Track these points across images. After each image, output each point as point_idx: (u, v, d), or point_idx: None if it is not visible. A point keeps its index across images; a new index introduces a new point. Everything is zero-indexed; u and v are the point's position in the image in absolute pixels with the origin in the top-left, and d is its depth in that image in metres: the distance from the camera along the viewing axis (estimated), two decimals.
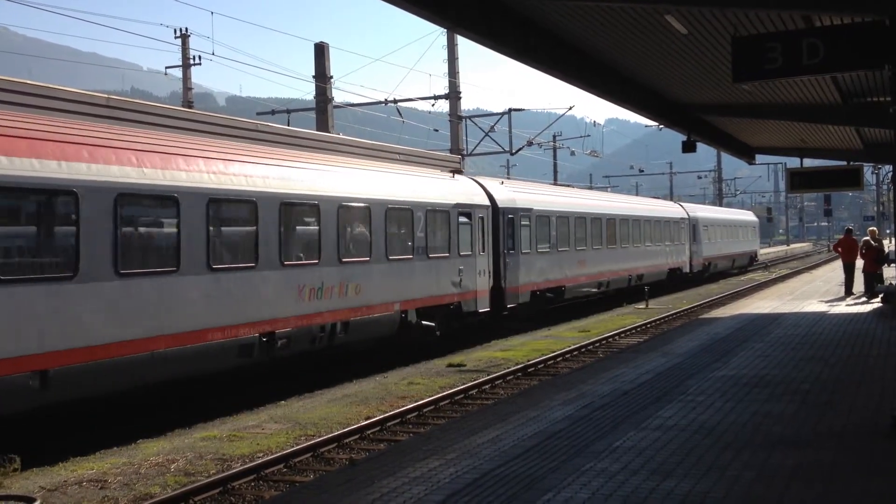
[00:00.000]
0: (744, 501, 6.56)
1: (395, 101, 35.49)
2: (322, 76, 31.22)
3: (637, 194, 48.00)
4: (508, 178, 28.92)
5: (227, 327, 13.64)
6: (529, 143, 43.78)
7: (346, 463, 9.65)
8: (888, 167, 55.93)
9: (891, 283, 23.84)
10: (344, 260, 16.59)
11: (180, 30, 35.87)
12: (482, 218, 22.17)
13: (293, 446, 11.32)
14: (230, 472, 10.00)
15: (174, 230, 12.96)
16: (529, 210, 25.12)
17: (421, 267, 19.24)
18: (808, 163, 29.78)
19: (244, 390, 15.09)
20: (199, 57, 36.83)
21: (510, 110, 40.46)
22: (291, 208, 15.50)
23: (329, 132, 27.87)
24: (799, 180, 26.12)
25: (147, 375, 12.43)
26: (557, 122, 45.09)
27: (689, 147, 23.83)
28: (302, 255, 15.75)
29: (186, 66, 35.80)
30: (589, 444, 8.54)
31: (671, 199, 59.12)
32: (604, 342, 21.33)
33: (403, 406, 13.75)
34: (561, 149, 56.87)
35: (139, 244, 12.70)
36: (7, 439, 10.73)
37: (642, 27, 13.92)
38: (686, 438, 8.67)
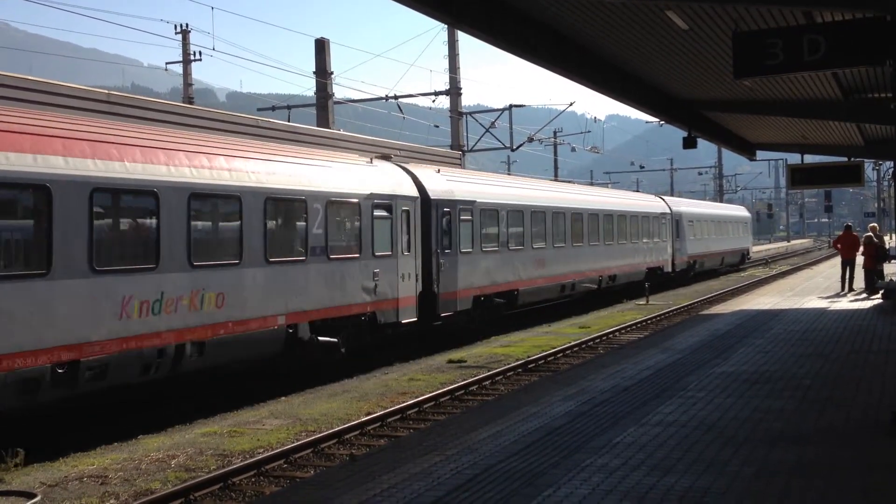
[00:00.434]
0: (744, 497, 6.56)
1: (396, 97, 35.45)
2: (322, 72, 31.18)
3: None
4: (455, 168, 24.74)
5: None
6: (530, 140, 43.72)
7: (346, 459, 9.65)
8: (889, 163, 55.98)
9: (891, 280, 23.83)
10: (197, 264, 13.28)
11: (181, 25, 35.88)
12: (407, 212, 18.97)
13: (294, 442, 11.34)
14: (231, 468, 10.02)
15: None
16: (472, 203, 21.83)
17: (318, 271, 15.86)
18: (809, 159, 29.77)
19: (245, 386, 15.10)
20: (200, 53, 36.76)
21: (511, 106, 40.42)
22: (110, 196, 12.23)
23: (330, 128, 27.84)
24: (800, 176, 26.09)
25: None
26: (558, 119, 45.05)
27: (689, 143, 23.82)
28: (129, 257, 12.55)
29: (187, 61, 35.79)
30: (589, 440, 8.55)
31: (672, 196, 58.99)
32: (604, 338, 21.34)
33: (404, 402, 13.76)
34: (561, 145, 56.84)
35: None
36: (8, 435, 10.75)
37: (643, 23, 13.90)
38: (686, 434, 8.67)
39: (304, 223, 15.71)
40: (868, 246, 24.87)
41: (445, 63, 35.19)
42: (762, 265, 56.66)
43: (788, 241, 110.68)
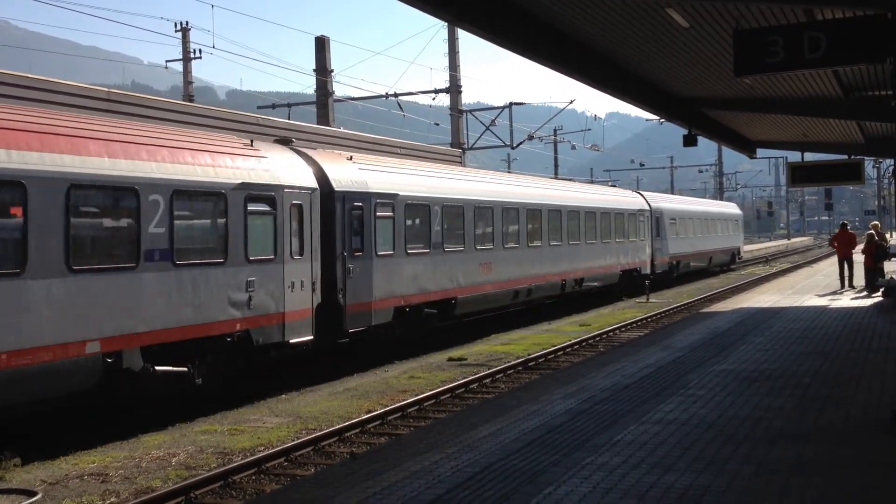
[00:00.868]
0: (744, 495, 6.57)
1: (396, 95, 35.47)
2: (323, 70, 31.17)
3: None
4: (380, 156, 20.78)
5: None
6: (530, 137, 43.73)
7: (346, 457, 9.65)
8: (889, 161, 56.02)
9: (891, 277, 23.82)
10: None
11: (181, 23, 35.87)
12: (300, 206, 15.50)
13: (294, 440, 11.35)
14: (231, 466, 10.03)
15: None
16: (393, 196, 18.39)
17: (157, 281, 12.47)
18: (810, 157, 29.72)
19: (245, 384, 15.11)
20: (200, 50, 36.79)
21: (511, 104, 40.44)
22: None
23: (330, 126, 27.85)
24: (800, 174, 26.07)
25: None
26: (558, 116, 45.00)
27: (690, 141, 23.81)
28: None
29: (187, 59, 35.79)
30: (590, 438, 8.55)
31: (671, 193, 58.83)
32: (604, 336, 21.35)
33: (404, 400, 13.77)
34: (562, 143, 56.89)
35: None
36: (8, 434, 10.75)
37: (643, 20, 13.89)
38: (687, 432, 8.67)
39: (132, 220, 12.22)
40: (869, 244, 24.88)
41: (445, 61, 35.23)
42: (762, 263, 56.63)
43: (789, 239, 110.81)
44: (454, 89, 35.48)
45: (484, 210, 22.43)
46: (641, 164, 78.36)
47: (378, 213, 17.77)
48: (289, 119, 29.95)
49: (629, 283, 32.94)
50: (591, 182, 46.52)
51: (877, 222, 28.73)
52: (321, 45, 31.38)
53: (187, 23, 35.79)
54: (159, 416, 12.86)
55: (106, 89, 14.85)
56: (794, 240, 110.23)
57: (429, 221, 19.84)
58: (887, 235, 35.64)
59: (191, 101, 33.29)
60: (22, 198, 10.62)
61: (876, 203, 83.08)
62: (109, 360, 11.75)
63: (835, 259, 28.27)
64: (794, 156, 29.90)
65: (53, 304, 10.97)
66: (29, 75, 13.15)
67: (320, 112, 31.47)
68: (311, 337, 15.63)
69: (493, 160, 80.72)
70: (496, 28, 13.48)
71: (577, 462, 7.66)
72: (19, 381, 10.47)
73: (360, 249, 17.07)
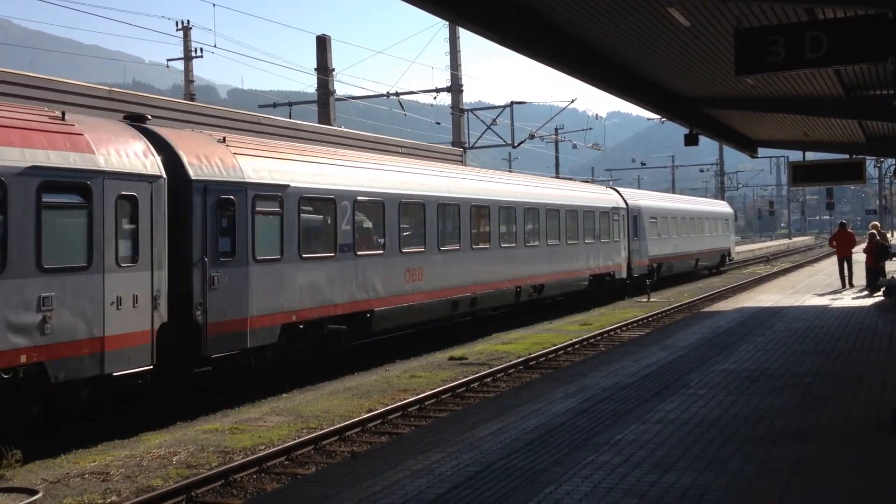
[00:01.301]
0: (745, 495, 6.57)
1: (398, 94, 35.47)
2: (324, 69, 31.17)
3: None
4: (270, 139, 17.66)
5: None
6: (531, 137, 43.73)
7: (347, 456, 9.65)
8: (891, 161, 56.05)
9: (892, 277, 23.80)
10: None
11: (182, 22, 35.91)
12: (134, 199, 12.19)
13: (295, 439, 11.35)
14: (232, 465, 10.03)
15: None
16: (282, 188, 15.02)
17: None
18: (811, 156, 29.71)
19: (246, 383, 15.11)
20: (201, 49, 36.87)
21: (512, 103, 40.41)
22: None
23: (331, 125, 27.83)
24: (801, 174, 26.07)
25: None
26: (559, 115, 44.98)
27: (691, 140, 23.81)
28: None
29: (188, 58, 35.82)
30: (590, 438, 8.55)
31: (673, 193, 58.71)
32: (605, 335, 21.36)
33: (405, 399, 13.77)
34: (563, 142, 56.87)
35: None
36: (8, 432, 10.75)
37: (645, 20, 13.90)
38: (688, 432, 8.67)
39: None
40: (871, 243, 24.87)
41: (447, 60, 35.25)
42: (764, 262, 56.59)
43: (790, 239, 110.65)
44: (455, 88, 35.49)
45: (411, 207, 19.06)
46: (643, 164, 78.39)
47: (258, 209, 14.40)
48: (290, 118, 29.92)
49: (600, 290, 30.11)
50: (572, 179, 43.31)
51: (877, 222, 28.72)
52: (322, 43, 31.38)
53: (189, 21, 35.88)
54: (160, 415, 12.87)
55: (107, 88, 14.87)
56: (795, 239, 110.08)
57: (335, 220, 16.40)
58: (888, 235, 35.59)
59: (192, 99, 33.31)
60: None
61: (877, 203, 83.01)
62: None
63: (835, 259, 28.27)
64: (796, 155, 29.91)
65: None
66: (30, 74, 13.17)
67: (321, 111, 31.47)
68: (150, 367, 12.25)
69: (495, 160, 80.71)
70: (497, 27, 13.49)
71: (578, 461, 7.66)
72: None
73: (229, 254, 13.72)
